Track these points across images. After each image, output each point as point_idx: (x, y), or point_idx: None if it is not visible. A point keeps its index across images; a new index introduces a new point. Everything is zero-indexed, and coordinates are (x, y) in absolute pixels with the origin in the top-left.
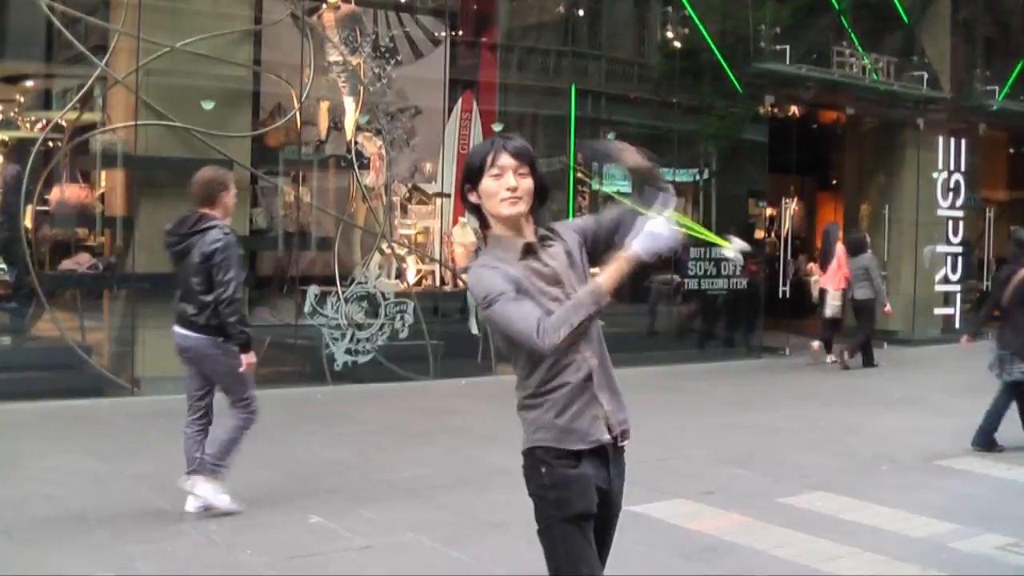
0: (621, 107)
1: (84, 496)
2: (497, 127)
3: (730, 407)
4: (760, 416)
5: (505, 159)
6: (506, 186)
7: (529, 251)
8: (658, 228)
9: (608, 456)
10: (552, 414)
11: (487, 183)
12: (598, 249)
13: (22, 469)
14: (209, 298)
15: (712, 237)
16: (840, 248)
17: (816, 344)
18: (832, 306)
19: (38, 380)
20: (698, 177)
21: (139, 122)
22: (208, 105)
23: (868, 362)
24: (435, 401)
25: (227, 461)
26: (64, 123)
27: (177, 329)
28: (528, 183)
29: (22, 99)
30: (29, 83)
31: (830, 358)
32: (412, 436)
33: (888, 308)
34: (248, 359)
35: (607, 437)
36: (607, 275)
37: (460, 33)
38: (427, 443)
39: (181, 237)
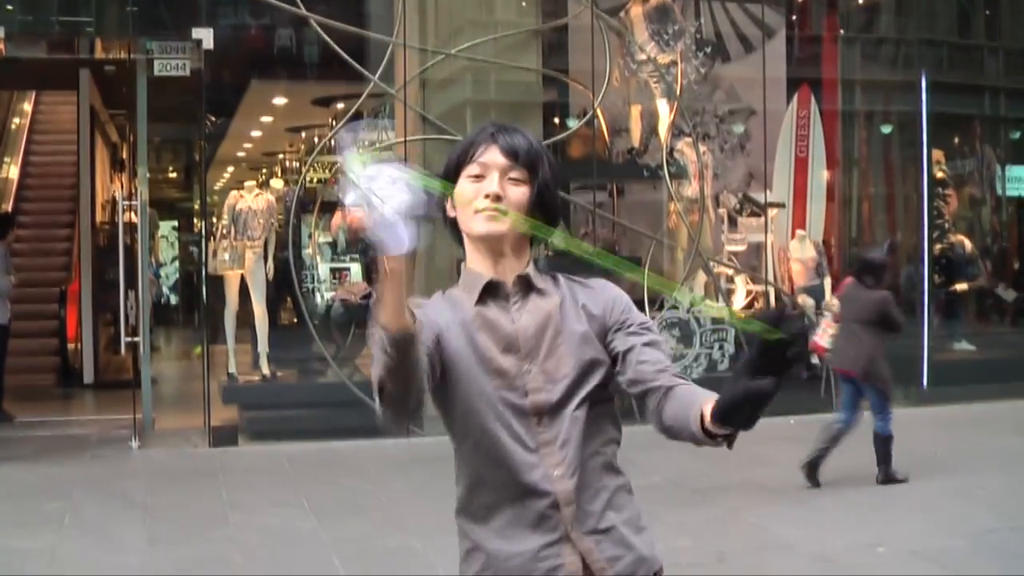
0: (986, 101)
1: (262, 564)
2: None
3: None
4: None
5: (493, 155)
6: (485, 192)
7: (491, 291)
8: None
9: None
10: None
11: (461, 187)
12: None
13: (219, 527)
14: None
15: None
16: None
17: None
18: None
19: (316, 419)
20: None
21: (414, 137)
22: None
23: None
24: (749, 446)
25: None
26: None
27: None
28: (521, 194)
29: (298, 122)
30: (304, 105)
31: None
32: (692, 492)
33: None
34: None
35: None
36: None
37: (796, 23)
38: (705, 503)
39: None
